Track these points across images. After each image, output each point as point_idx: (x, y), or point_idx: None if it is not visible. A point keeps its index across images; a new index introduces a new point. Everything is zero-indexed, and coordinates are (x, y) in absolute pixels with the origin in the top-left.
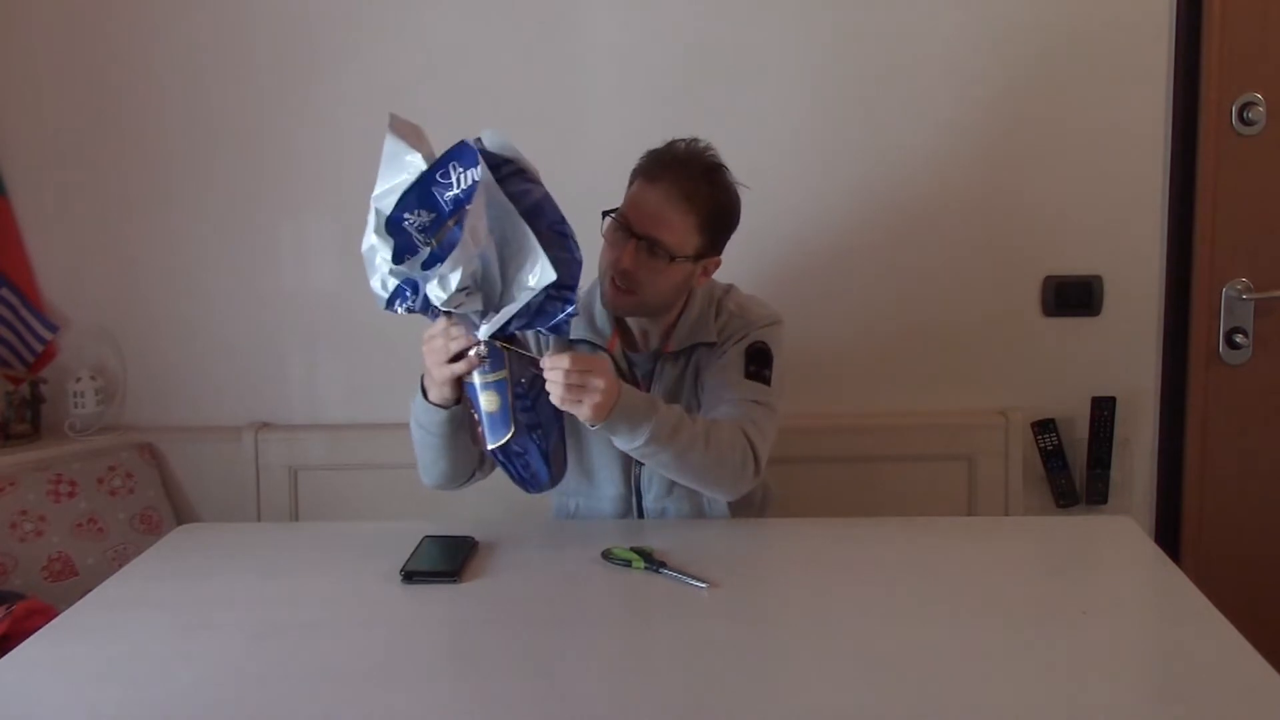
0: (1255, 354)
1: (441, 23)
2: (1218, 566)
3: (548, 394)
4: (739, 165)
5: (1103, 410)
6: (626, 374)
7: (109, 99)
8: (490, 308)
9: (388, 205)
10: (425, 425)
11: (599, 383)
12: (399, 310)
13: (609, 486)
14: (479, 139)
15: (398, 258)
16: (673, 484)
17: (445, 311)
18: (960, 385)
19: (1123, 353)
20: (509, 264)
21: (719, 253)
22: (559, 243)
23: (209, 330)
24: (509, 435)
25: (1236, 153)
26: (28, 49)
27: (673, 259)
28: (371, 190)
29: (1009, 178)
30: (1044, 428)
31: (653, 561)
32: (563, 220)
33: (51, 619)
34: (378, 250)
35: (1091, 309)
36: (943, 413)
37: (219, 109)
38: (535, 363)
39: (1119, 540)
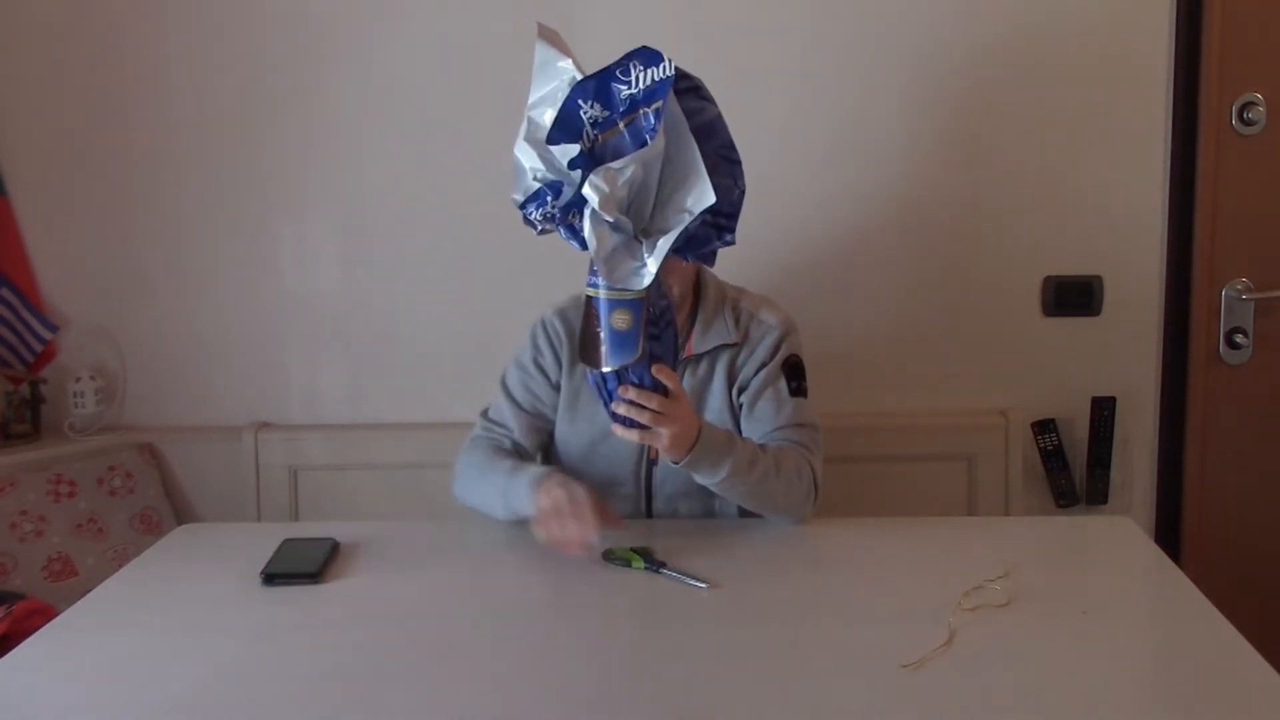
0: (1255, 354)
1: (442, 22)
2: (1218, 566)
3: (670, 330)
4: None
5: (1103, 410)
6: None
7: (109, 99)
8: (639, 224)
9: (540, 114)
10: (508, 505)
11: (674, 421)
12: (534, 215)
13: (621, 486)
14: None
15: (554, 138)
16: (686, 485)
17: (591, 218)
18: (960, 385)
19: (1123, 353)
20: (667, 181)
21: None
22: (725, 169)
23: (209, 330)
24: (634, 359)
25: (1236, 153)
26: (28, 49)
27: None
28: (371, 189)
29: (1009, 178)
30: (1044, 428)
31: (653, 561)
32: (732, 146)
33: (51, 619)
34: (524, 159)
35: (1091, 309)
36: (943, 413)
37: (219, 109)
38: (666, 295)
39: (1119, 540)
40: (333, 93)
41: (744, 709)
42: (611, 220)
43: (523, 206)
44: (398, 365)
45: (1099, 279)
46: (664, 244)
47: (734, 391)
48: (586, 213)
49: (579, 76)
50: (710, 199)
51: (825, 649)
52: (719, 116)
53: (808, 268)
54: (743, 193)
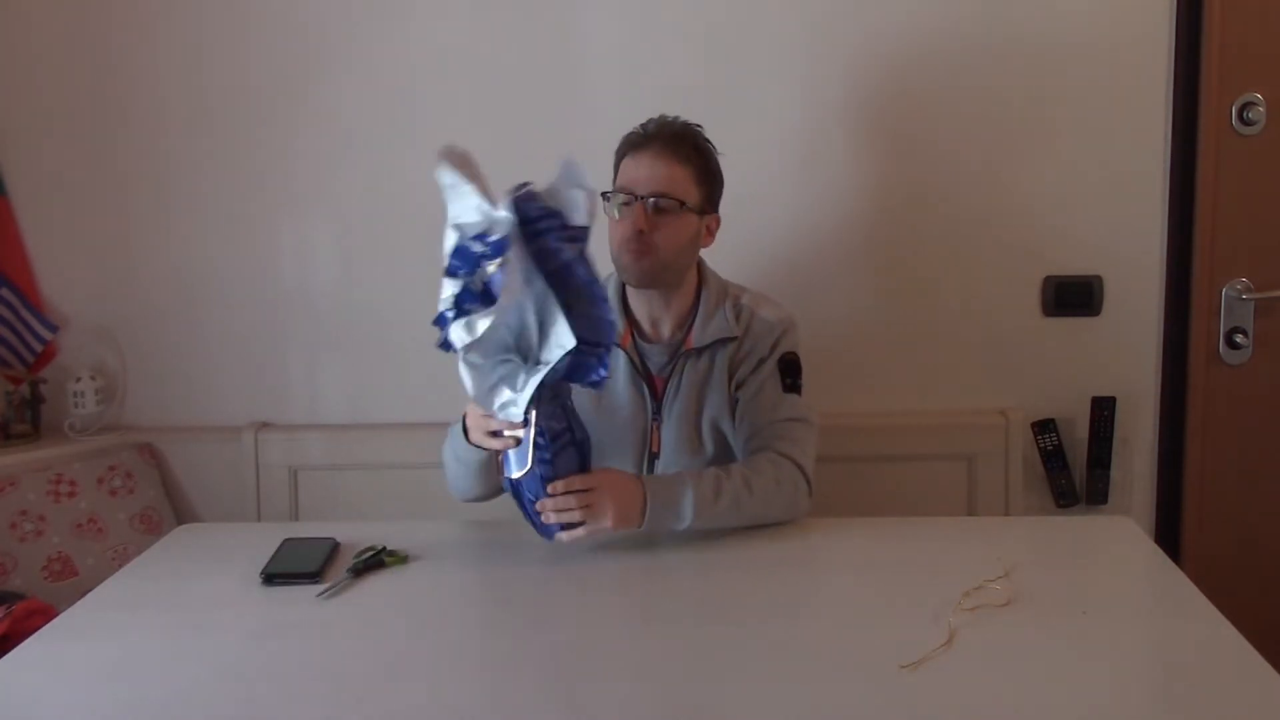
0: (1255, 354)
1: (442, 22)
2: (1218, 566)
3: (568, 452)
4: (739, 165)
5: (1103, 410)
6: (639, 367)
7: (109, 99)
8: (531, 356)
9: (453, 237)
10: (461, 459)
11: (607, 496)
12: (439, 342)
13: None
14: (526, 186)
15: (451, 269)
16: None
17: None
18: (960, 385)
19: (1123, 353)
20: (545, 319)
21: (716, 210)
22: (594, 303)
23: (209, 330)
24: (523, 473)
25: (1236, 153)
26: (28, 49)
27: (682, 205)
28: (371, 189)
29: (1009, 178)
30: (1044, 428)
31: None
32: (595, 280)
33: (51, 619)
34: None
35: (1091, 309)
36: (943, 413)
37: (219, 109)
38: (564, 415)
39: (1119, 540)
40: (333, 93)
41: (743, 709)
42: (478, 361)
43: (435, 322)
44: (398, 365)
45: (1099, 279)
46: (533, 380)
47: (731, 385)
48: (460, 356)
49: (481, 204)
50: (570, 340)
51: (825, 649)
52: (581, 254)
53: (808, 267)
54: (612, 323)
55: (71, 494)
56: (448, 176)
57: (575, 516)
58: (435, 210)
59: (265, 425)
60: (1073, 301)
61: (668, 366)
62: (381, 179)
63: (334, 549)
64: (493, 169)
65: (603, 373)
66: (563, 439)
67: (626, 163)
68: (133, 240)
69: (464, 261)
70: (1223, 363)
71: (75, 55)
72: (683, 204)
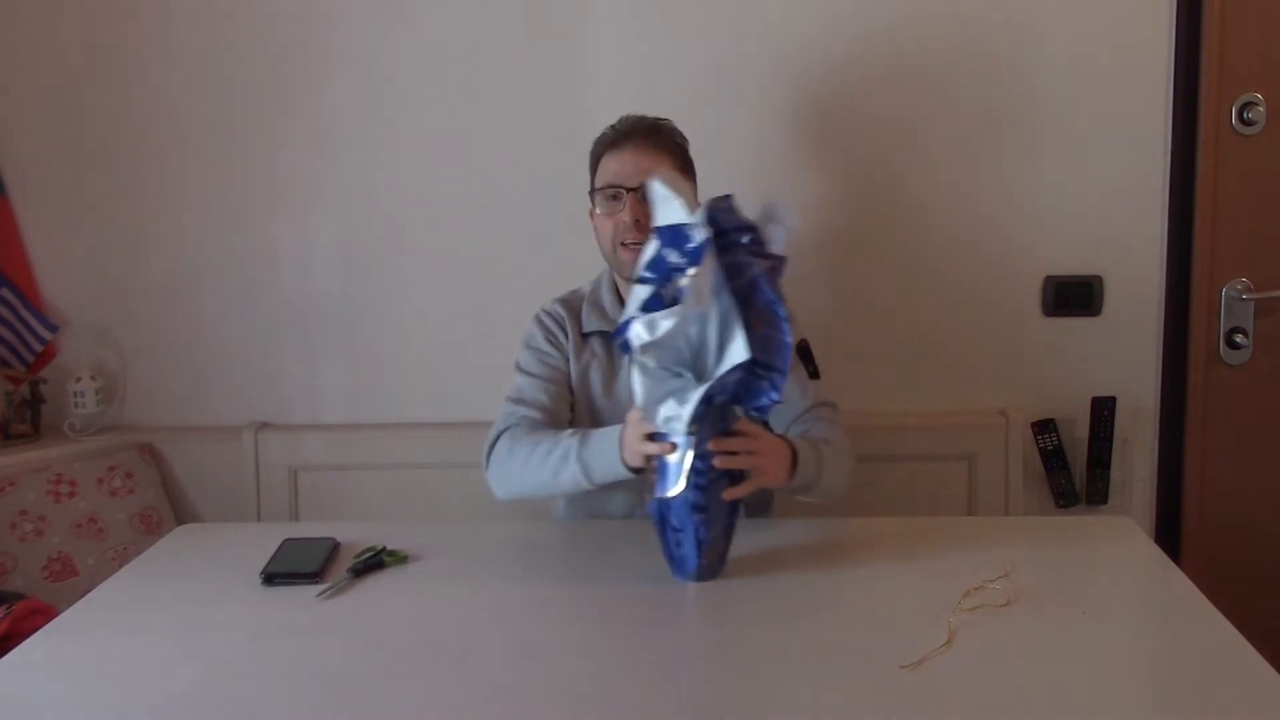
0: (1255, 354)
1: (443, 22)
2: (1218, 566)
3: (724, 485)
4: (738, 165)
5: (1103, 410)
6: None
7: (109, 99)
8: (702, 375)
9: (653, 246)
10: (594, 479)
11: (769, 450)
12: (616, 342)
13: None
14: (729, 196)
15: (642, 279)
16: None
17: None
18: (960, 385)
19: (1123, 353)
20: (723, 334)
21: (697, 198)
22: (773, 322)
23: (209, 330)
24: (679, 490)
25: (1236, 153)
26: (28, 49)
27: None
28: (371, 189)
29: (1009, 178)
30: (1044, 428)
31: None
32: (779, 301)
33: (51, 619)
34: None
35: (1091, 309)
36: (943, 413)
37: (219, 108)
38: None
39: (1119, 540)
40: (333, 92)
41: (743, 708)
42: (650, 365)
43: (616, 332)
44: (398, 365)
45: (1099, 279)
46: (698, 394)
47: None
48: (634, 357)
49: (686, 214)
50: (743, 355)
51: (825, 649)
52: (769, 271)
53: (807, 267)
54: (789, 346)
55: (71, 494)
56: (660, 189)
57: (739, 463)
58: (435, 210)
59: (265, 425)
60: (1073, 301)
61: None
62: (382, 179)
63: (334, 549)
64: (494, 168)
65: (775, 396)
66: (711, 475)
67: (607, 160)
68: (133, 240)
69: (658, 271)
70: (1223, 363)
71: (75, 55)
72: None
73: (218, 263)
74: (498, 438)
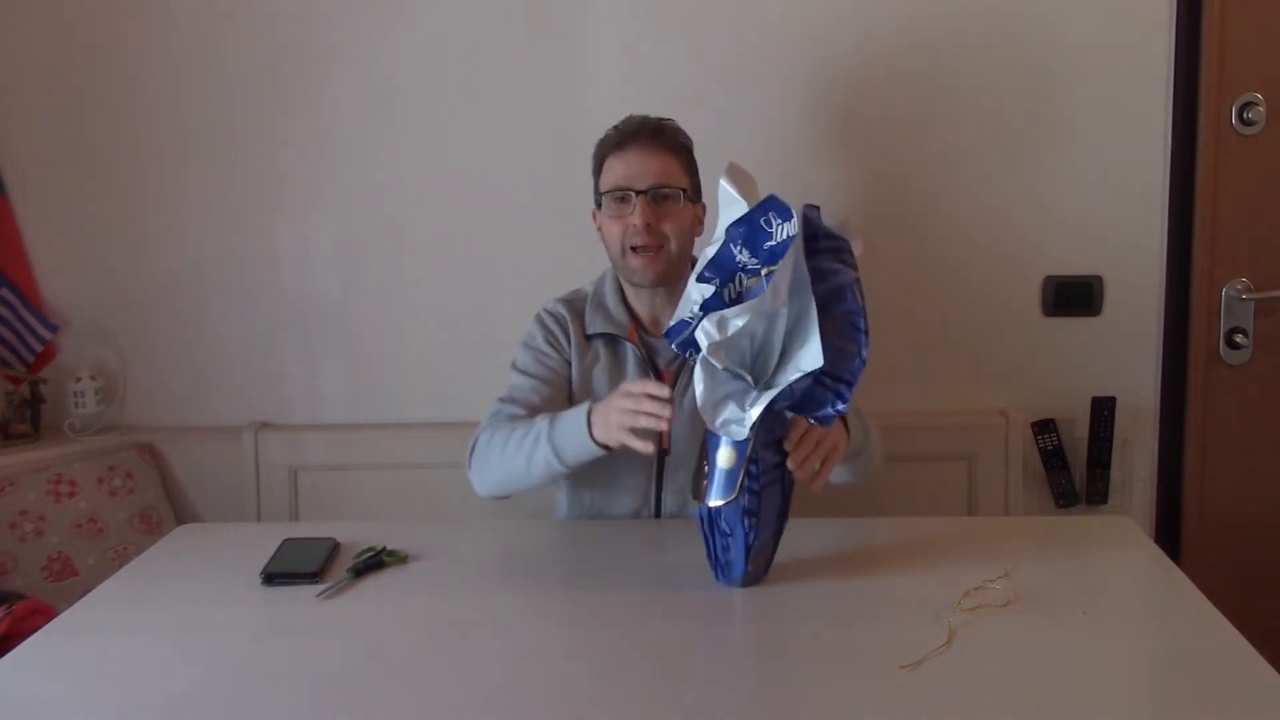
0: (1255, 354)
1: (443, 22)
2: (1218, 566)
3: (774, 490)
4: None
5: (1103, 410)
6: (647, 361)
7: (109, 99)
8: (762, 377)
9: (716, 246)
10: (566, 460)
11: (829, 435)
12: (672, 343)
13: (632, 475)
14: (815, 206)
15: (705, 277)
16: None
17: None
18: (960, 385)
19: (1123, 353)
20: (792, 339)
21: (702, 198)
22: (848, 333)
23: (209, 330)
24: (732, 498)
25: (1236, 153)
26: (28, 49)
27: (684, 192)
28: (371, 189)
29: (1009, 178)
30: (1044, 428)
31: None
32: (861, 312)
33: (51, 619)
34: (694, 291)
35: (1091, 309)
36: (943, 413)
37: (219, 108)
38: (779, 452)
39: (1119, 540)
40: (333, 92)
41: (743, 708)
42: (718, 366)
43: (666, 334)
44: (398, 365)
45: (1099, 279)
46: (764, 398)
47: None
48: (698, 357)
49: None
50: (817, 362)
51: (825, 649)
52: (855, 282)
53: None
54: (864, 361)
55: (71, 494)
56: (727, 190)
57: (818, 459)
58: (435, 210)
59: (265, 425)
60: (1073, 301)
61: (675, 360)
62: (382, 179)
63: (334, 549)
64: (494, 168)
65: (840, 407)
66: (773, 474)
67: (612, 163)
68: (133, 240)
69: (718, 271)
70: (1223, 363)
71: (75, 55)
72: (683, 192)
73: (218, 263)
74: (480, 435)
